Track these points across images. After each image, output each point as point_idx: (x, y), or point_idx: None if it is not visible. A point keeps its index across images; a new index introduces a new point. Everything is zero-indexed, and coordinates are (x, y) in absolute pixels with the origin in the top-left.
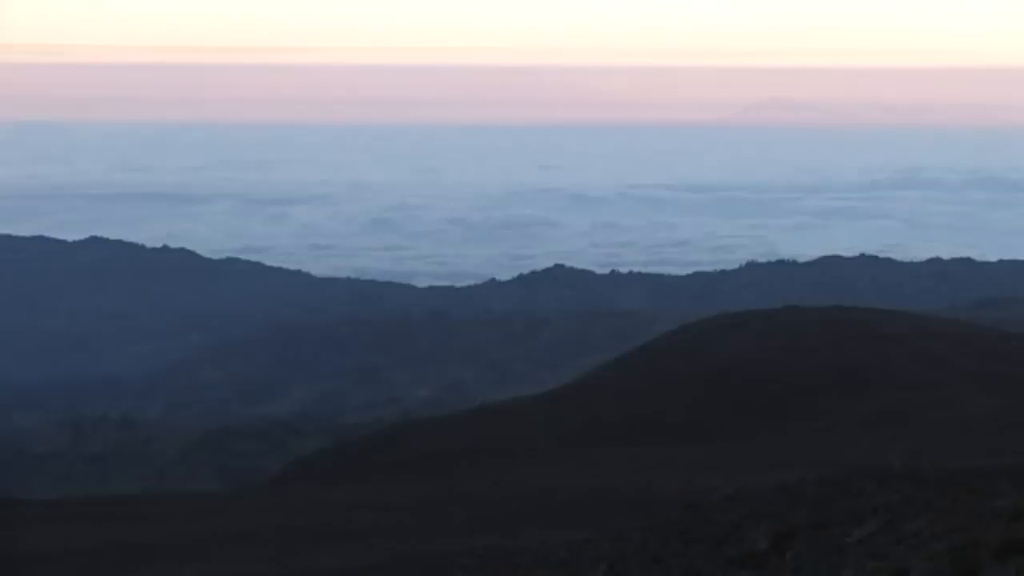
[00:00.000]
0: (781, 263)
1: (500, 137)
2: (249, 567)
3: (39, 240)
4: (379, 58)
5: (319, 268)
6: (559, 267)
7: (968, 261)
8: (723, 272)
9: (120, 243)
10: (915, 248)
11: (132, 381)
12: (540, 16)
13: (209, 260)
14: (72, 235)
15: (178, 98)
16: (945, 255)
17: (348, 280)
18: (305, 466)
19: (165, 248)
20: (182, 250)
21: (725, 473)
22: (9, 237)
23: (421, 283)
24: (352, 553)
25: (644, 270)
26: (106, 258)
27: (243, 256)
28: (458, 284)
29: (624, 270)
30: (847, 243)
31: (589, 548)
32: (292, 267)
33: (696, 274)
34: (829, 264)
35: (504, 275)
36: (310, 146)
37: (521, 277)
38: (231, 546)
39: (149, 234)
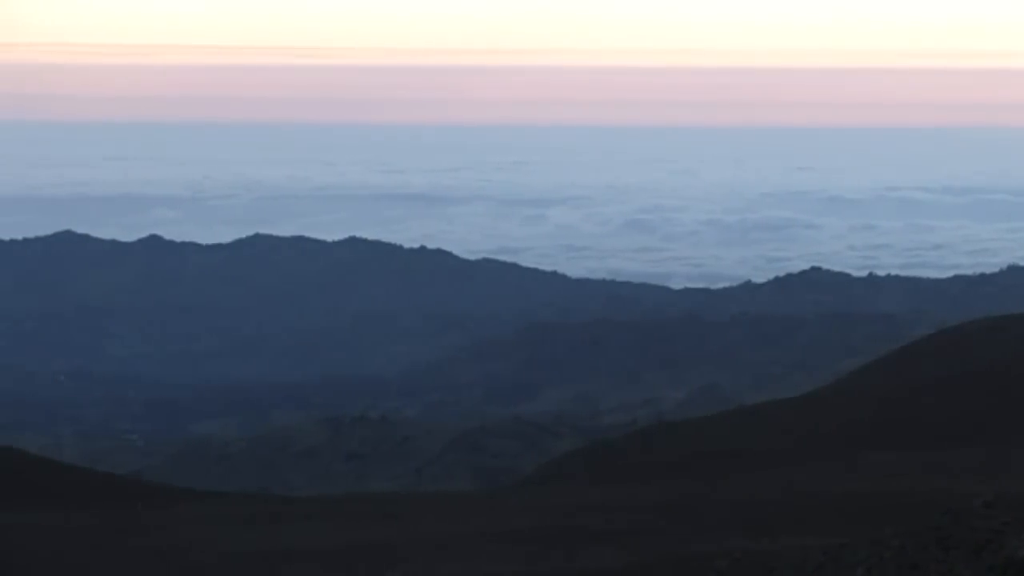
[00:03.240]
0: None
1: (756, 138)
2: (504, 567)
3: (299, 240)
4: (634, 60)
5: (574, 269)
6: (815, 269)
7: None
8: (983, 275)
9: (378, 243)
10: None
11: (389, 380)
12: (797, 17)
13: (465, 261)
14: (331, 235)
15: (436, 100)
16: None
17: (603, 281)
18: (560, 467)
19: (422, 249)
20: (439, 251)
21: (985, 478)
22: (270, 237)
23: (676, 285)
24: (607, 554)
25: (902, 273)
26: (364, 258)
27: (499, 257)
28: (713, 286)
29: (882, 273)
30: None
31: (846, 553)
32: (547, 268)
33: (956, 277)
34: None
35: (760, 277)
36: (566, 147)
37: (777, 279)
38: (486, 546)
39: (406, 235)
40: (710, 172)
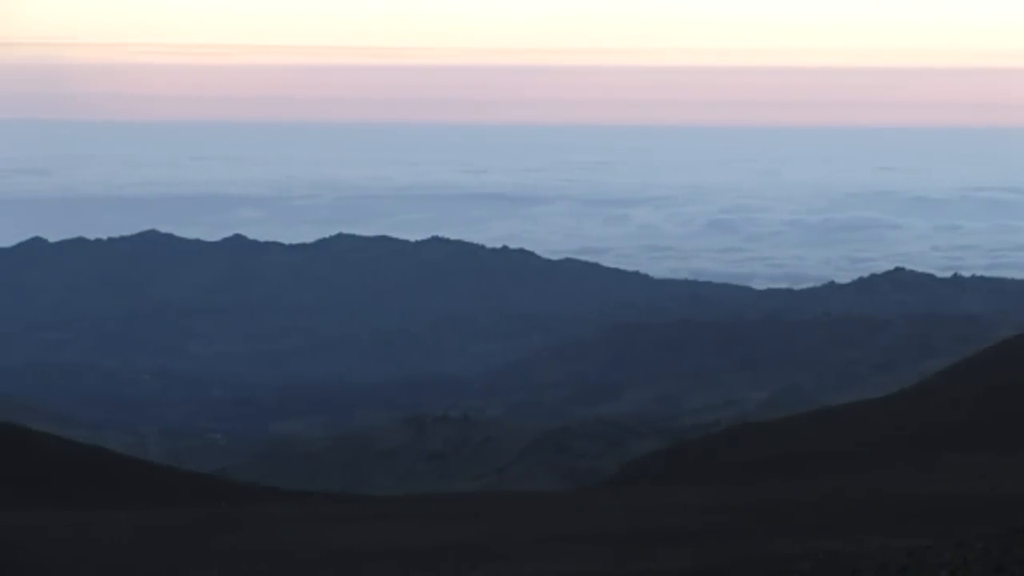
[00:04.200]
0: None
1: (840, 138)
2: (587, 567)
3: (382, 240)
4: (718, 60)
5: (657, 269)
6: (899, 270)
7: None
8: None
9: (461, 243)
10: None
11: (472, 380)
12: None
13: (548, 261)
14: (414, 235)
15: (519, 99)
16: None
17: (685, 282)
18: (642, 467)
19: (505, 248)
20: (521, 251)
21: None
22: (353, 237)
23: (759, 285)
24: (689, 555)
25: (987, 274)
26: (447, 258)
27: (581, 257)
28: (796, 287)
29: (966, 274)
30: None
31: (930, 555)
32: (630, 268)
33: None
34: None
35: (843, 278)
36: (650, 147)
37: (860, 280)
38: (569, 545)
39: (489, 235)
40: (793, 172)
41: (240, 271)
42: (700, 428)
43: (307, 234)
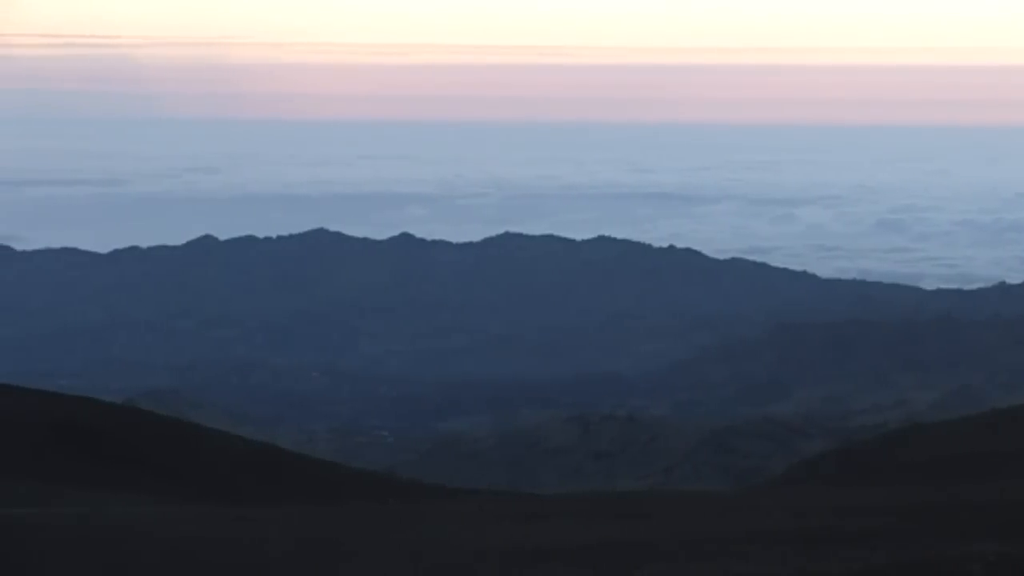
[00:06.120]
0: None
1: (1011, 137)
2: (751, 567)
3: (548, 239)
4: (885, 59)
5: (825, 269)
6: None
7: None
8: None
9: (627, 242)
10: None
11: (638, 379)
12: None
13: (714, 260)
14: (580, 234)
15: (685, 98)
16: None
17: (854, 282)
18: (810, 468)
19: (671, 248)
20: (688, 250)
21: None
22: (519, 236)
23: (928, 286)
24: (856, 556)
25: None
26: (613, 257)
27: (748, 257)
28: (966, 287)
29: None
30: None
31: None
32: (797, 268)
33: None
34: None
35: (1015, 278)
36: (818, 147)
37: None
38: (735, 546)
39: (655, 234)
40: (963, 171)
41: (407, 269)
42: (868, 429)
43: (474, 233)
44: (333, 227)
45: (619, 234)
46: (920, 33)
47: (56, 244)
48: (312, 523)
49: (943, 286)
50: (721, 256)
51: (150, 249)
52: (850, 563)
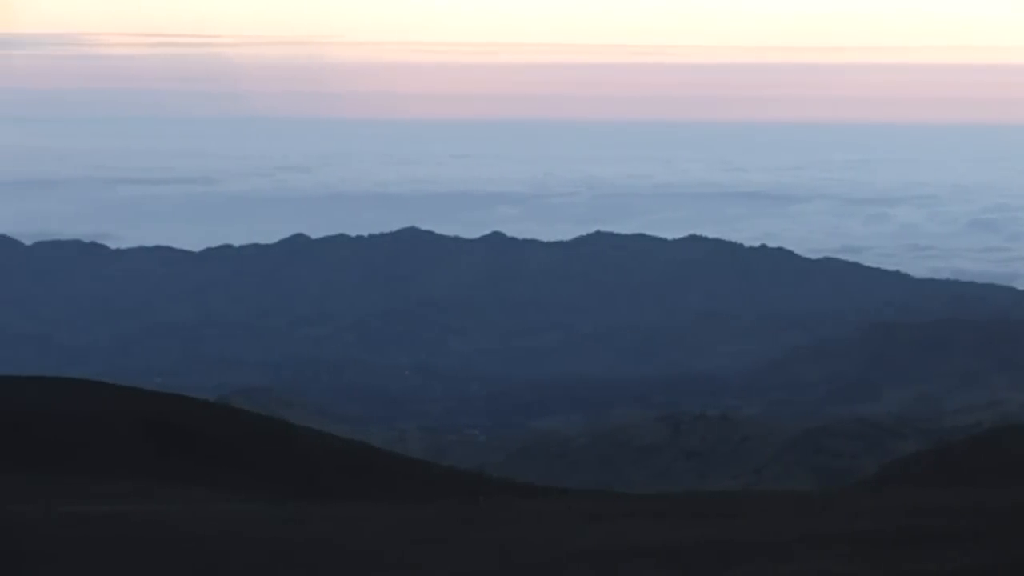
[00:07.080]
0: None
1: None
2: (841, 567)
3: (639, 238)
4: (979, 57)
5: (918, 269)
6: None
7: None
8: None
9: (719, 242)
10: None
11: (729, 379)
12: None
13: (807, 260)
14: (672, 233)
15: (778, 97)
16: None
17: (947, 282)
18: (903, 468)
19: (763, 247)
20: (780, 249)
21: None
22: (610, 235)
23: (1022, 285)
24: (949, 557)
25: None
26: (705, 256)
27: (841, 256)
28: None
29: None
30: None
31: None
32: (890, 268)
33: None
34: None
35: None
36: (911, 146)
37: None
38: (825, 546)
39: (747, 233)
40: None
41: (498, 268)
42: (961, 430)
43: (565, 232)
44: (424, 226)
45: (710, 233)
46: (1015, 31)
47: (149, 243)
48: (402, 521)
49: None
50: (813, 256)
51: (242, 248)
52: (942, 564)
